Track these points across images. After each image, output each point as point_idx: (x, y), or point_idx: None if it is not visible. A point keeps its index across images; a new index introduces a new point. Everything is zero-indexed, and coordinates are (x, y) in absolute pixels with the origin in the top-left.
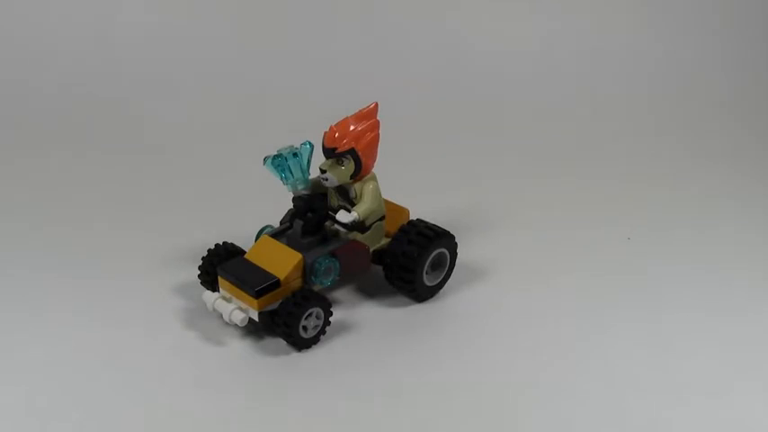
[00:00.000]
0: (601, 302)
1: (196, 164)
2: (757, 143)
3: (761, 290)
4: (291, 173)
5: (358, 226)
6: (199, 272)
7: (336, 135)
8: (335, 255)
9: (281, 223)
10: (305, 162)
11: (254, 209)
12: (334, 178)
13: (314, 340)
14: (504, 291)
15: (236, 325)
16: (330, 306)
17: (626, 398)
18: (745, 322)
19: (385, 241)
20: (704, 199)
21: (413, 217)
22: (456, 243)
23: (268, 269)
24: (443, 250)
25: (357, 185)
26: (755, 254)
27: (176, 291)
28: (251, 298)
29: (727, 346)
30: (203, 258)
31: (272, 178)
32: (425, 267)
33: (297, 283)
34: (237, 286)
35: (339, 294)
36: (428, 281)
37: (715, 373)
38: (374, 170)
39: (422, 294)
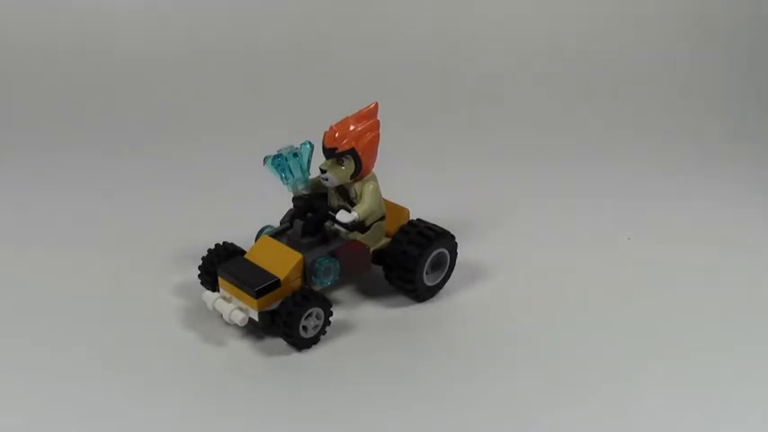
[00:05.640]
0: (601, 302)
1: (196, 164)
2: (758, 143)
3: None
4: (291, 173)
5: (358, 226)
6: (199, 272)
7: (336, 135)
8: (335, 255)
9: (281, 223)
10: (305, 162)
11: (254, 209)
12: (334, 178)
13: (314, 340)
14: (505, 291)
15: (236, 325)
16: (330, 306)
17: (627, 397)
18: (748, 323)
19: (385, 241)
20: (705, 199)
21: (413, 217)
22: (456, 243)
23: (268, 269)
24: (443, 250)
25: (357, 185)
26: (757, 254)
27: (176, 291)
28: (251, 298)
29: (729, 346)
30: (203, 258)
31: (272, 178)
32: (425, 267)
33: (297, 283)
34: (237, 286)
35: (339, 294)
36: (428, 281)
37: (717, 372)
38: (374, 170)
39: (422, 294)
